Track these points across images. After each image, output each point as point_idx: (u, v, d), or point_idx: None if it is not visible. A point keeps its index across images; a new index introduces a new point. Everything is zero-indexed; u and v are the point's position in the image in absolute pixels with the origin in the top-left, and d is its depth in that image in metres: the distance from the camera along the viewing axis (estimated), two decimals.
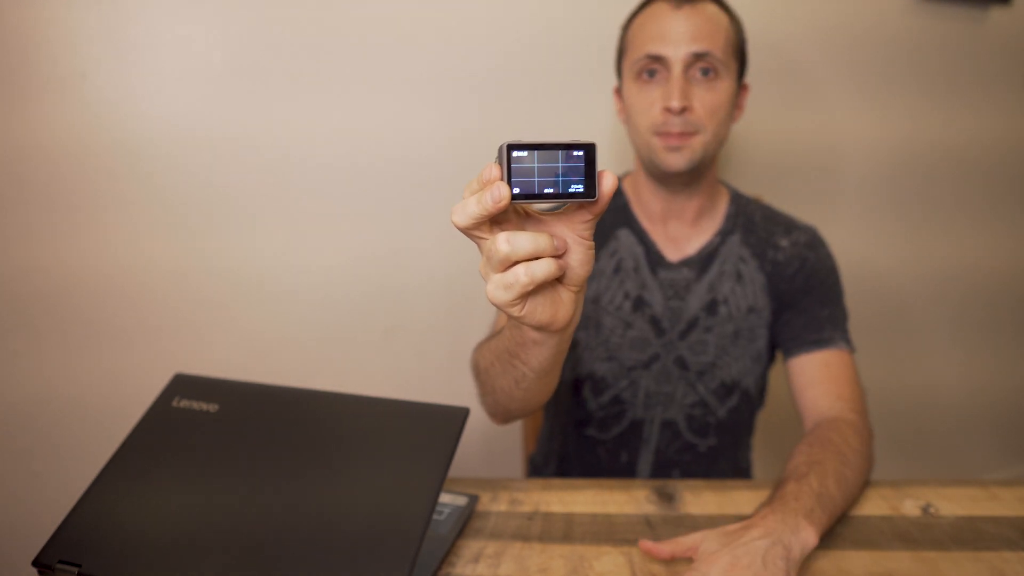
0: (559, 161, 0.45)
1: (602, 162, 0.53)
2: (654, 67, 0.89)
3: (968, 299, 1.62)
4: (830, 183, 1.48)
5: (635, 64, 0.91)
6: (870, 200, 1.51)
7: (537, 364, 0.61)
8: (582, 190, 0.45)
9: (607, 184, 0.46)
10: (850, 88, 1.43)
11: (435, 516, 0.70)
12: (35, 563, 0.57)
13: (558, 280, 0.51)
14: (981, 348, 1.66)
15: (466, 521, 0.71)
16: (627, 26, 0.96)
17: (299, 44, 1.20)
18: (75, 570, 0.56)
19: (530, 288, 0.46)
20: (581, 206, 0.48)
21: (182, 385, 0.70)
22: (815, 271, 0.96)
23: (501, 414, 0.82)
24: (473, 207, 0.45)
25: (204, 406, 0.67)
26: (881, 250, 1.54)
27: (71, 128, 1.15)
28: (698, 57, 0.87)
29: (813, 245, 0.98)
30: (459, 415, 0.64)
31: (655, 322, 0.96)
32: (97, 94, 1.15)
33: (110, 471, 0.63)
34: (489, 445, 1.45)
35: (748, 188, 1.33)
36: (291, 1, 1.19)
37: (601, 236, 0.99)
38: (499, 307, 0.48)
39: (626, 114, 0.95)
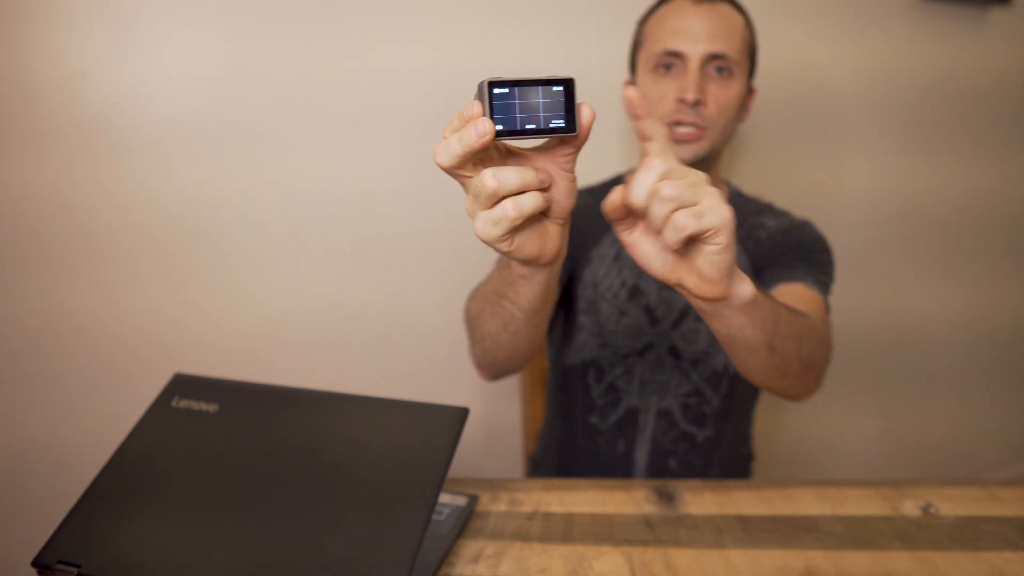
0: (540, 97, 0.45)
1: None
2: (671, 61, 0.91)
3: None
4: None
5: (652, 58, 0.93)
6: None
7: (526, 302, 0.63)
8: (563, 125, 0.45)
9: (586, 117, 0.46)
10: (850, 89, 1.43)
11: (435, 516, 0.70)
12: (35, 563, 0.57)
13: (543, 214, 0.52)
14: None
15: (466, 521, 0.71)
16: (644, 20, 0.98)
17: (299, 44, 1.20)
18: (74, 570, 0.56)
19: (519, 222, 0.47)
20: (562, 141, 0.48)
21: (182, 385, 0.69)
22: (798, 240, 0.96)
23: (489, 365, 0.84)
24: (455, 145, 0.45)
25: (204, 406, 0.67)
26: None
27: (71, 127, 1.15)
28: (715, 56, 0.89)
29: (802, 226, 0.99)
30: (459, 415, 0.64)
31: (649, 311, 0.97)
32: (97, 94, 1.15)
33: (110, 471, 0.63)
34: (489, 445, 1.45)
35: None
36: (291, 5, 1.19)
37: (604, 224, 1.01)
38: (488, 243, 0.49)
39: None
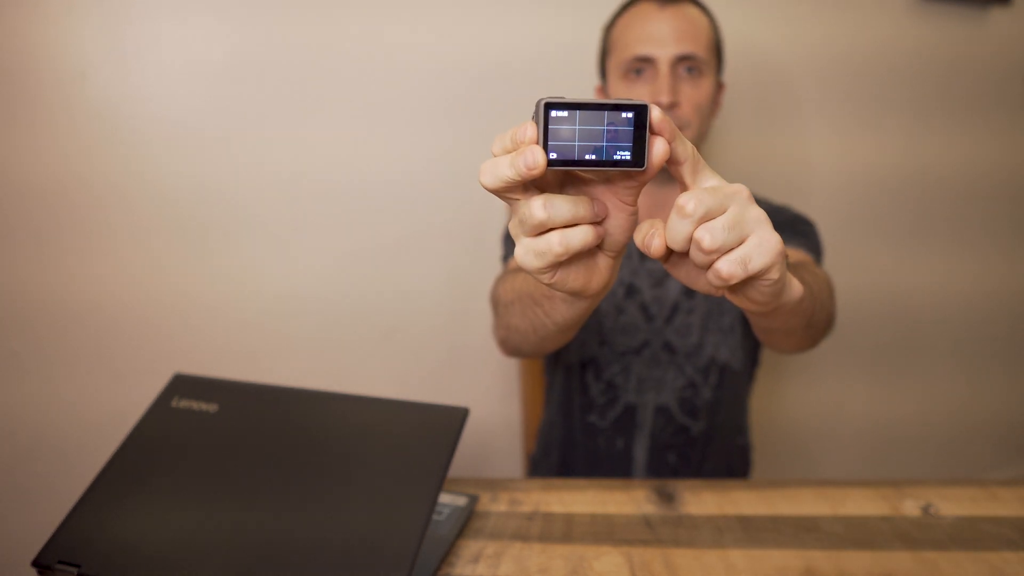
0: (604, 124, 0.39)
1: None
2: (641, 66, 0.92)
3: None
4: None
5: (622, 64, 0.93)
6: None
7: (560, 319, 0.60)
8: (628, 158, 0.39)
9: (658, 153, 0.40)
10: (848, 87, 1.43)
11: (435, 516, 0.70)
12: (35, 563, 0.57)
13: (596, 246, 0.46)
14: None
15: (466, 521, 0.71)
16: (610, 27, 0.98)
17: (299, 43, 1.20)
18: (74, 570, 0.56)
19: (564, 258, 0.42)
20: (626, 173, 0.42)
21: (182, 385, 0.70)
22: (776, 220, 0.97)
23: (511, 349, 0.83)
24: (505, 170, 0.40)
25: (204, 406, 0.67)
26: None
27: (71, 128, 1.15)
28: (684, 58, 0.90)
29: (780, 209, 1.01)
30: (459, 415, 0.64)
31: (644, 309, 0.98)
32: (97, 94, 1.15)
33: (110, 471, 0.63)
34: (489, 445, 1.45)
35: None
36: (290, 0, 1.19)
37: None
38: (528, 272, 0.44)
39: None
